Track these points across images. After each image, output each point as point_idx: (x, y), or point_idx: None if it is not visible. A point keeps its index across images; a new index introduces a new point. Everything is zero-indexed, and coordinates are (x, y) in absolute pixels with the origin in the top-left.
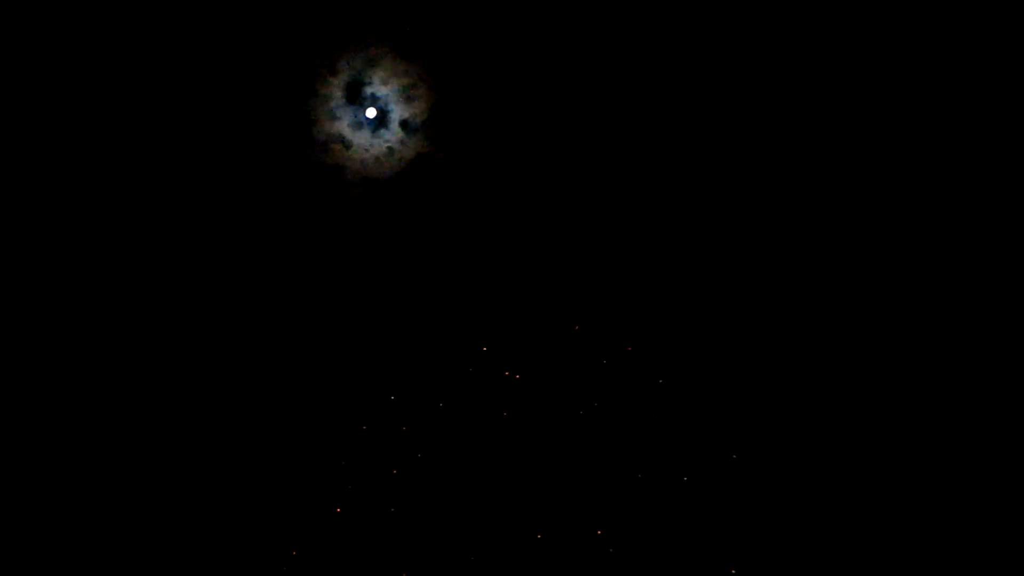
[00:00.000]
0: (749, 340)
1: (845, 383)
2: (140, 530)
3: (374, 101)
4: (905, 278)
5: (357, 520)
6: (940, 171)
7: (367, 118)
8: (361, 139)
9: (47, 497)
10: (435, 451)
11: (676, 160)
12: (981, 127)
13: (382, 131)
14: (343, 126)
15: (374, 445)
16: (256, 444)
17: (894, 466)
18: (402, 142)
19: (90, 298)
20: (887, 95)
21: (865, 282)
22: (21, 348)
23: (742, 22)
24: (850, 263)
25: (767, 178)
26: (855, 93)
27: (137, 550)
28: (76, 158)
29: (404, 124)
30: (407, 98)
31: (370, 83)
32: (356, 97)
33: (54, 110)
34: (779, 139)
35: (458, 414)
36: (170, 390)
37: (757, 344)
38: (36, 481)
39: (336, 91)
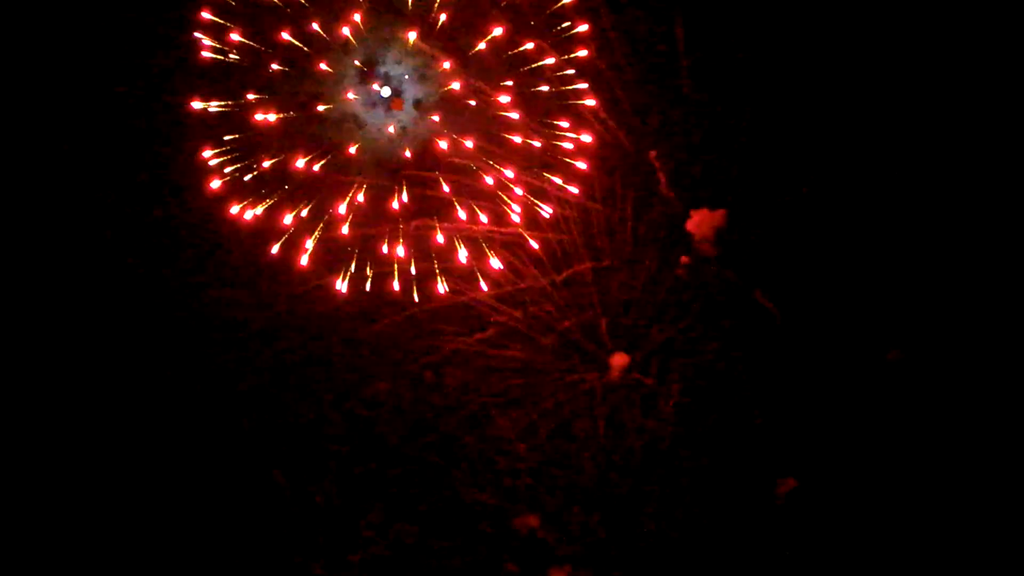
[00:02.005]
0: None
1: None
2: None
3: (387, 81)
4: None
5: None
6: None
7: (381, 97)
8: (374, 118)
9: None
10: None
11: (686, 147)
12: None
13: (394, 111)
14: (356, 105)
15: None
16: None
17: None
18: (415, 121)
19: (78, 275)
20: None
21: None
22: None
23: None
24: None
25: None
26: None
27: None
28: (81, 138)
29: (417, 103)
30: (420, 77)
31: (384, 63)
32: (370, 76)
33: (59, 88)
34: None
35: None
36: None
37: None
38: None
39: (350, 70)
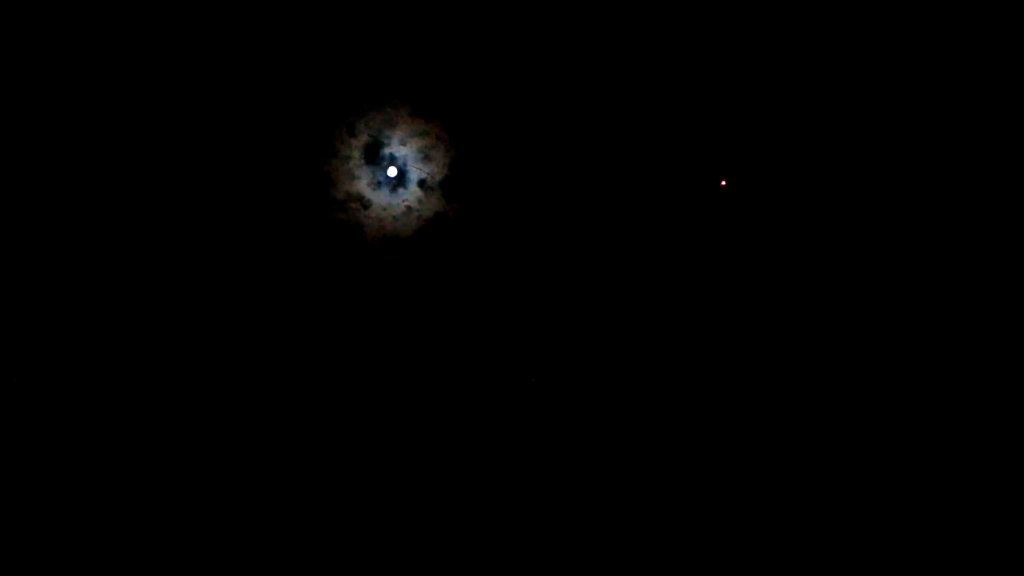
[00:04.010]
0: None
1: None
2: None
3: (392, 161)
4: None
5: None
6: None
7: (387, 177)
8: (380, 198)
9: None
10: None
11: (682, 220)
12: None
13: (400, 190)
14: (362, 185)
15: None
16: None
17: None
18: (420, 201)
19: (99, 340)
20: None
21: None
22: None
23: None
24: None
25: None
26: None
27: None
28: (94, 211)
29: (422, 183)
30: (425, 158)
31: (389, 143)
32: (375, 157)
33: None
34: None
35: (459, 470)
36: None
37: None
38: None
39: (355, 151)
